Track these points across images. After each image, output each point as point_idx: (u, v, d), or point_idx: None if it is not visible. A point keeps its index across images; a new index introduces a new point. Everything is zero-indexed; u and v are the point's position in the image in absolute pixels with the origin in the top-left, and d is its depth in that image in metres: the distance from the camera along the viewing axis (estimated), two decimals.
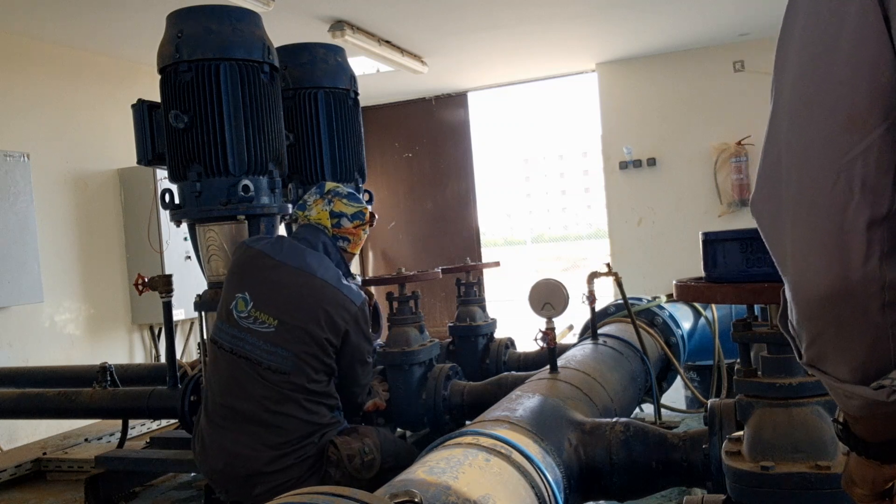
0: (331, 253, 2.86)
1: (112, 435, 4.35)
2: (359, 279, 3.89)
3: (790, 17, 0.89)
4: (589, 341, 3.56)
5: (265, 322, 2.65)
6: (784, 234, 0.88)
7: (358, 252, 3.03)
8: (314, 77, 3.85)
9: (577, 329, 4.10)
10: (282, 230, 3.68)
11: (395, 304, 3.65)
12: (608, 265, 3.63)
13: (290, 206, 3.40)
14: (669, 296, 4.09)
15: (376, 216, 3.47)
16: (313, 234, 2.87)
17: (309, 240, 2.85)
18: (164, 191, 3.30)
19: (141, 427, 4.50)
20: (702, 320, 4.25)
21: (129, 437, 3.95)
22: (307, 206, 2.95)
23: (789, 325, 0.94)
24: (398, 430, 3.59)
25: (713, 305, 4.00)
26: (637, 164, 7.63)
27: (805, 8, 0.87)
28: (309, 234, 2.88)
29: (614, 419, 2.39)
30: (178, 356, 3.67)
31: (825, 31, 0.83)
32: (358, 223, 2.94)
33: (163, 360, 5.20)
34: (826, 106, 0.82)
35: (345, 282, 2.78)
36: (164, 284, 3.44)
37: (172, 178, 3.29)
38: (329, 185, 3.00)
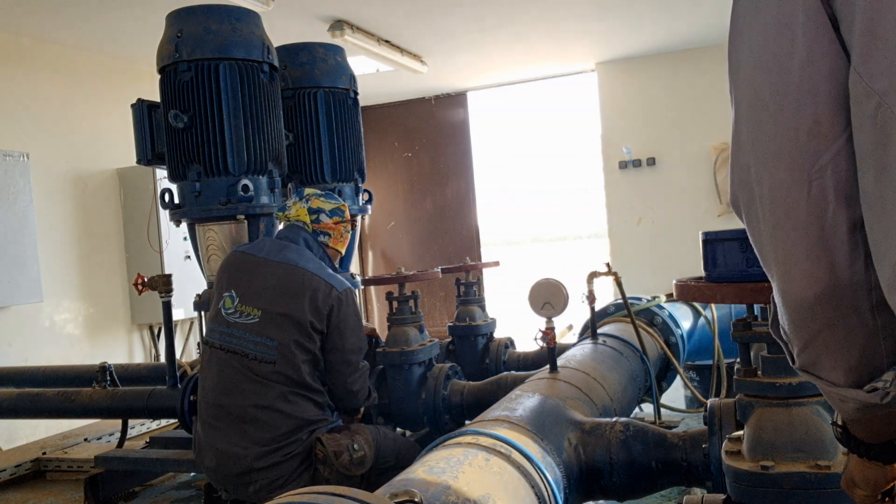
0: (312, 247, 2.93)
1: (112, 435, 4.35)
2: (358, 279, 3.91)
3: (735, 23, 0.89)
4: (588, 341, 3.56)
5: (250, 314, 2.73)
6: (763, 239, 0.88)
7: (342, 250, 3.09)
8: (314, 77, 3.85)
9: (577, 329, 4.10)
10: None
11: (395, 304, 3.65)
12: (608, 265, 3.64)
13: None
14: (669, 295, 4.09)
15: (357, 219, 3.60)
16: (294, 232, 2.96)
17: (290, 237, 2.94)
18: (164, 190, 3.30)
19: (140, 427, 4.50)
20: (701, 320, 4.25)
21: (128, 436, 3.94)
22: (287, 208, 3.04)
23: (781, 330, 0.94)
24: (398, 429, 3.59)
25: (713, 305, 4.00)
26: (637, 163, 7.62)
27: (749, 14, 0.86)
28: (290, 232, 2.97)
29: (614, 419, 2.39)
30: (177, 356, 3.67)
31: (775, 40, 0.82)
32: (337, 219, 3.02)
33: (162, 359, 5.19)
34: (788, 117, 0.82)
35: (328, 270, 2.86)
36: (163, 284, 3.44)
37: (172, 178, 3.29)
38: (308, 191, 3.10)
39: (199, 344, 3.42)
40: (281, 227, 3.11)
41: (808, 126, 0.81)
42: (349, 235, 3.12)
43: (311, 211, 2.98)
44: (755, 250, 0.92)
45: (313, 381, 2.73)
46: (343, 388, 2.85)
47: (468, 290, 4.50)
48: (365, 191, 4.13)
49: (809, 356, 0.90)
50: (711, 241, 1.78)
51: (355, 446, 2.65)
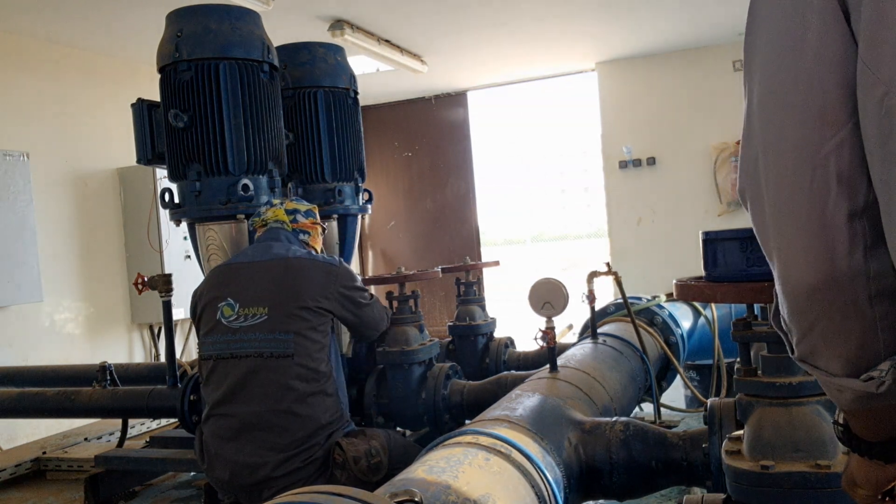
0: (294, 244, 3.00)
1: (112, 434, 4.35)
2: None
3: (753, 15, 0.90)
4: (588, 340, 3.56)
5: (256, 314, 2.74)
6: (766, 228, 0.89)
7: (319, 249, 3.18)
8: (314, 76, 3.84)
9: (577, 328, 4.10)
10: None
11: (395, 304, 3.65)
12: (608, 264, 3.64)
13: None
14: (669, 295, 4.09)
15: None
16: (273, 233, 3.02)
17: (271, 237, 3.00)
18: (164, 190, 3.30)
19: (140, 426, 4.50)
20: (701, 319, 4.24)
21: (128, 436, 3.94)
22: (261, 213, 3.10)
23: (781, 320, 0.94)
24: (398, 429, 3.59)
25: (713, 305, 4.00)
26: (637, 163, 7.62)
27: (766, 6, 0.88)
28: (270, 233, 3.02)
29: (614, 418, 2.39)
30: (177, 355, 3.67)
31: (789, 30, 0.84)
32: (312, 220, 3.13)
33: (162, 359, 5.19)
34: (797, 104, 0.83)
35: (315, 254, 2.97)
36: (163, 284, 3.44)
37: (172, 178, 3.29)
38: (275, 200, 3.21)
39: (199, 345, 3.42)
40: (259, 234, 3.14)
41: (814, 114, 0.81)
42: (322, 238, 3.23)
43: (287, 212, 3.06)
44: (759, 241, 0.92)
45: (328, 370, 2.76)
46: (367, 327, 3.10)
47: (468, 290, 4.50)
48: (365, 190, 4.12)
49: (808, 346, 0.90)
50: (711, 241, 1.78)
51: (373, 451, 2.65)
